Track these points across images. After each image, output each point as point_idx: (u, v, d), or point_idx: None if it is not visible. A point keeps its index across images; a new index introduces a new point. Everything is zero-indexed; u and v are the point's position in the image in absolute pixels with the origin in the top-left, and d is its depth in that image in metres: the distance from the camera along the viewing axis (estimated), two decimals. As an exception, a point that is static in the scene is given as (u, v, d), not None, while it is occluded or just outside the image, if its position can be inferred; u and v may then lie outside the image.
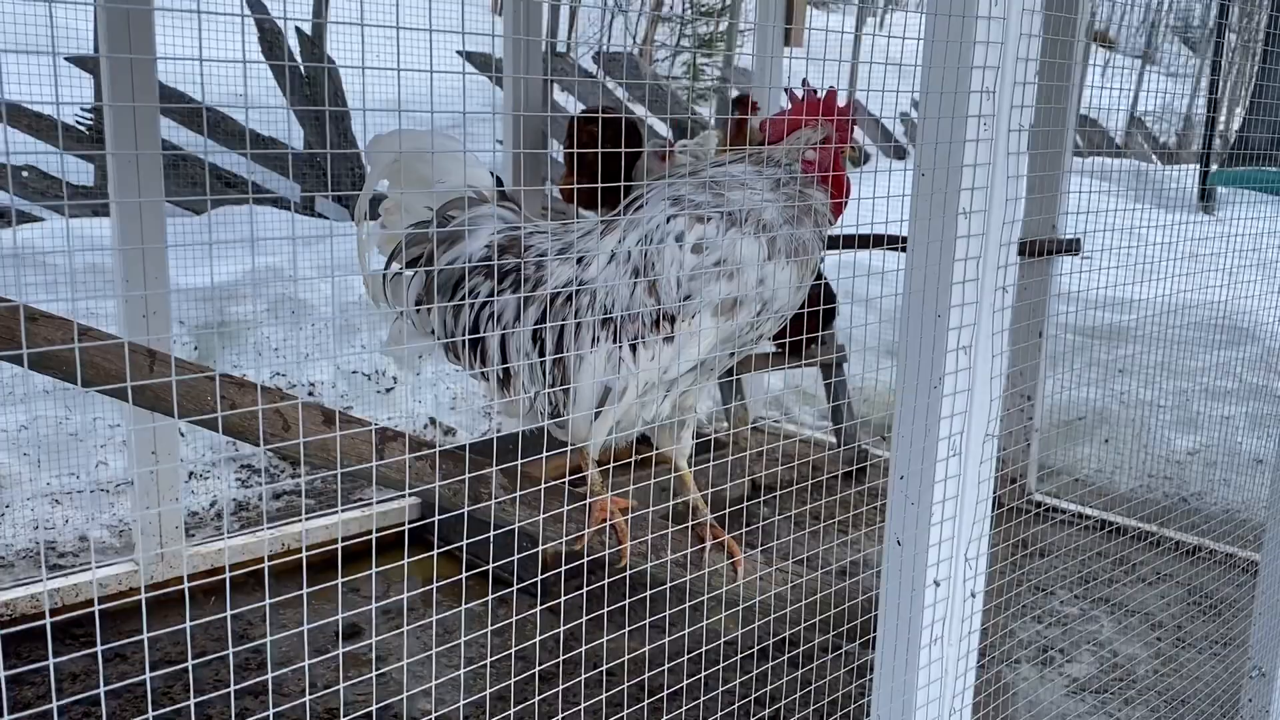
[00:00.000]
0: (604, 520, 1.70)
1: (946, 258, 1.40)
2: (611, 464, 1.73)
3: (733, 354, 1.76)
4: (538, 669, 2.57)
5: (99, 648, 1.02)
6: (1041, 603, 3.79)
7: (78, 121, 6.42)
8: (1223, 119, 13.71)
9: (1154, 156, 13.85)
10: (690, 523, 1.86)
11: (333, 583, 1.27)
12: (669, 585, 1.74)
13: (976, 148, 1.37)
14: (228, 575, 1.32)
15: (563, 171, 4.39)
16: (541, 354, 1.73)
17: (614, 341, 1.67)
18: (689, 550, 1.80)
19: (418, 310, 1.94)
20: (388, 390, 5.07)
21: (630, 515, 1.73)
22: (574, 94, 7.95)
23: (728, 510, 1.84)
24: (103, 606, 3.57)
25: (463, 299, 1.82)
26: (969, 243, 1.40)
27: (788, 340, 4.20)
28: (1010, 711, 2.96)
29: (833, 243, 4.00)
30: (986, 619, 2.32)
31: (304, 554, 1.56)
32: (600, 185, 2.33)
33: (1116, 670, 3.40)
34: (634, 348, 1.66)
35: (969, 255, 1.41)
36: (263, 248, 5.38)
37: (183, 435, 4.44)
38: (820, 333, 4.46)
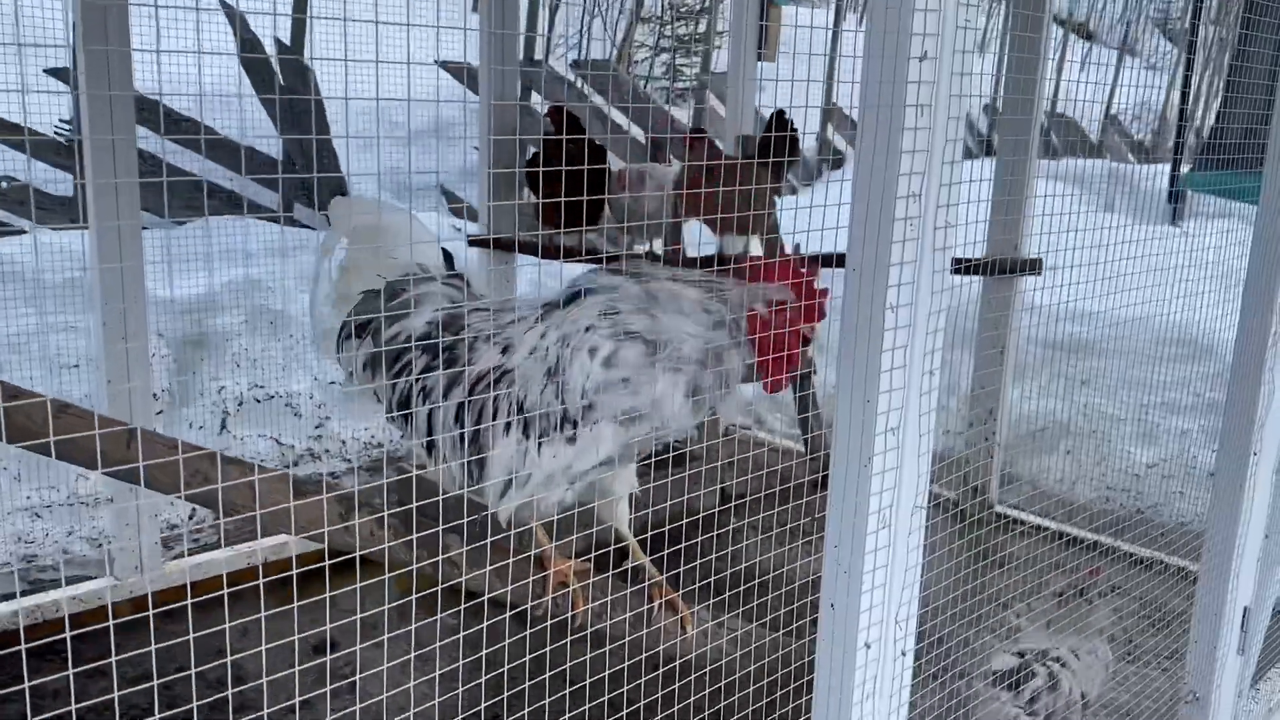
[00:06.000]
0: (561, 583, 1.79)
1: (875, 347, 1.49)
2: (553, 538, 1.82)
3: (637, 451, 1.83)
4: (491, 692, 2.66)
5: (112, 668, 1.10)
6: (998, 614, 3.91)
7: (56, 133, 6.45)
8: (1198, 115, 13.84)
9: (1129, 156, 13.99)
10: (631, 587, 1.95)
11: (308, 598, 1.36)
12: (604, 647, 1.83)
13: (904, 248, 1.46)
14: (224, 592, 1.40)
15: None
16: (462, 430, 1.81)
17: (523, 433, 1.75)
18: (624, 611, 1.89)
19: (364, 369, 2.02)
20: (365, 400, 5.14)
21: (583, 580, 1.83)
22: (545, 95, 8.00)
23: (701, 516, 1.93)
24: (79, 630, 3.63)
25: (398, 373, 1.91)
26: (896, 334, 1.50)
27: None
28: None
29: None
30: (943, 629, 2.43)
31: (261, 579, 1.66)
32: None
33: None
34: (540, 443, 1.74)
35: (896, 345, 1.51)
36: (241, 259, 5.44)
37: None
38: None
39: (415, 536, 1.66)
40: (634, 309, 1.77)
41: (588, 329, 1.76)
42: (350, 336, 2.03)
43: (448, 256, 2.04)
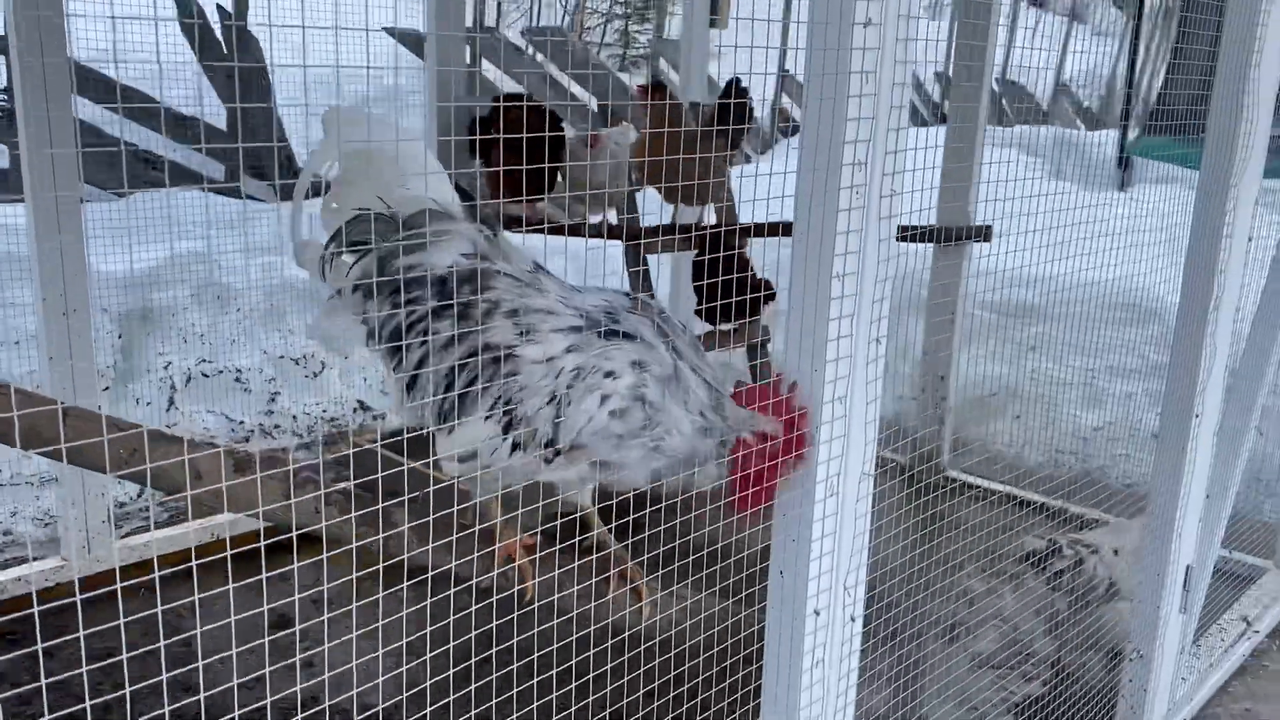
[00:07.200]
0: (507, 557, 1.78)
1: (822, 316, 1.50)
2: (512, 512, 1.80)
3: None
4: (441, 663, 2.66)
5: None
6: (950, 578, 3.97)
7: (-9, 101, 6.28)
8: (1145, 82, 13.98)
9: (1079, 123, 14.11)
10: (584, 560, 1.93)
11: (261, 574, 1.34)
12: (553, 621, 1.83)
13: (849, 216, 1.46)
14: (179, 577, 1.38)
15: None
16: (449, 387, 1.77)
17: (502, 431, 1.72)
18: (577, 585, 1.89)
19: (354, 290, 1.92)
20: (316, 374, 5.09)
21: (531, 555, 1.82)
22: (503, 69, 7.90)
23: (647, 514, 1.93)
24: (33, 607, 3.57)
25: (406, 301, 1.82)
26: (843, 303, 1.50)
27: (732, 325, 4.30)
28: (918, 687, 3.13)
29: (748, 231, 4.06)
30: (893, 593, 2.46)
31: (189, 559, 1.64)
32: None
33: (1016, 645, 3.58)
34: (514, 446, 1.72)
35: (843, 314, 1.51)
36: (186, 231, 5.33)
37: (108, 425, 4.43)
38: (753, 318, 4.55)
39: (354, 515, 1.64)
40: (658, 378, 1.73)
41: (609, 375, 1.71)
42: (342, 253, 1.93)
43: (465, 195, 1.96)
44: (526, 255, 1.91)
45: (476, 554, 1.77)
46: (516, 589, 1.81)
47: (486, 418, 1.72)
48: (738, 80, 4.13)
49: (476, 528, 1.77)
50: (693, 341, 1.82)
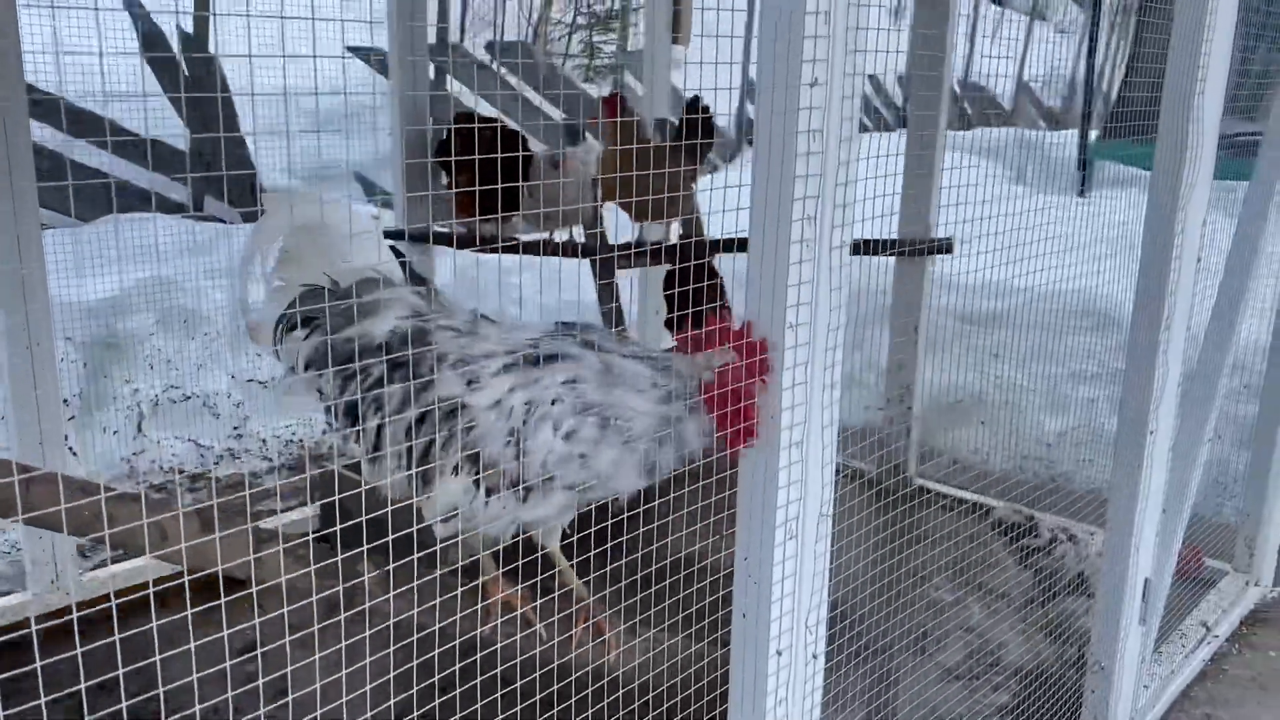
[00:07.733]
0: (508, 607, 1.82)
1: (776, 366, 1.53)
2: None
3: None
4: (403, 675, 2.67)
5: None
6: (917, 589, 4.01)
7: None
8: (1105, 82, 14.14)
9: (1040, 122, 14.27)
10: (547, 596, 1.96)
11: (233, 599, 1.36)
12: (530, 667, 1.85)
13: (800, 269, 1.50)
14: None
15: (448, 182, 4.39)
16: (411, 453, 1.79)
17: (474, 483, 1.75)
18: (552, 632, 1.92)
19: (306, 370, 1.97)
20: (284, 395, 5.06)
21: (528, 605, 1.85)
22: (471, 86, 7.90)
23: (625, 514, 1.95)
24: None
25: (354, 375, 1.86)
26: (796, 351, 1.54)
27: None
28: (885, 699, 3.18)
29: (715, 247, 4.10)
30: (864, 608, 2.50)
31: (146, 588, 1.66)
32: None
33: (985, 656, 3.64)
34: (489, 491, 1.75)
35: (797, 362, 1.54)
36: (151, 256, 5.30)
37: (74, 454, 4.41)
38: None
39: (357, 582, 1.66)
40: (593, 383, 1.76)
41: (554, 401, 1.75)
42: (294, 328, 1.97)
43: (403, 264, 2.00)
44: (463, 304, 1.95)
45: (460, 610, 1.79)
46: (520, 634, 1.84)
47: (455, 473, 1.75)
48: (697, 98, 4.17)
49: (460, 587, 1.79)
50: (610, 335, 1.86)
